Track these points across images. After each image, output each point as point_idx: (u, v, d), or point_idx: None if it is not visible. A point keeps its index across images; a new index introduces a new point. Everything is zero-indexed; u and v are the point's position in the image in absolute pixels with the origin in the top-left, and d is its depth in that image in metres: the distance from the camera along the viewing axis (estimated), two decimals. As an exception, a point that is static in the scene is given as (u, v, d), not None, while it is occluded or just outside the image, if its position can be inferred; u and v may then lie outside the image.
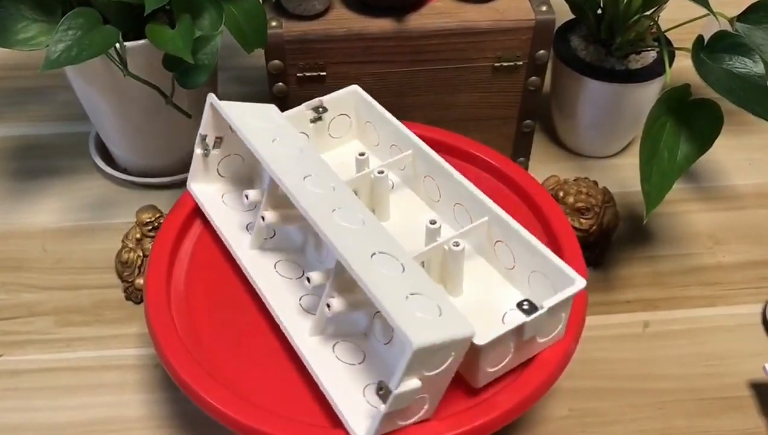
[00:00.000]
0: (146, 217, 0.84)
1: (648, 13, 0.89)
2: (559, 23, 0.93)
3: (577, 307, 0.64)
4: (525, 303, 0.57)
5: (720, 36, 0.75)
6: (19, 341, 0.81)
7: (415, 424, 0.57)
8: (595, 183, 0.87)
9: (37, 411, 0.75)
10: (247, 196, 0.69)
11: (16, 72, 1.13)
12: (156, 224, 0.83)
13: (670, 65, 0.84)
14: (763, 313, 0.83)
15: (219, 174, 0.75)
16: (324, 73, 0.85)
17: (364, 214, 0.62)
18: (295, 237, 0.71)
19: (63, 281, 0.86)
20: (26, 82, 1.11)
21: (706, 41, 0.76)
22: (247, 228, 0.72)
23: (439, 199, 0.72)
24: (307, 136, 0.78)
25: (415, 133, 0.74)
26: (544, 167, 0.99)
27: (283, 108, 0.76)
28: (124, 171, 0.97)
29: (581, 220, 0.84)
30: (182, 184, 0.96)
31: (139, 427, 0.74)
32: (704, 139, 0.74)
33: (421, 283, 0.56)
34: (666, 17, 0.91)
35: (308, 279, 0.61)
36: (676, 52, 0.90)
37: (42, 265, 0.88)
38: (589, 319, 0.74)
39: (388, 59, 0.85)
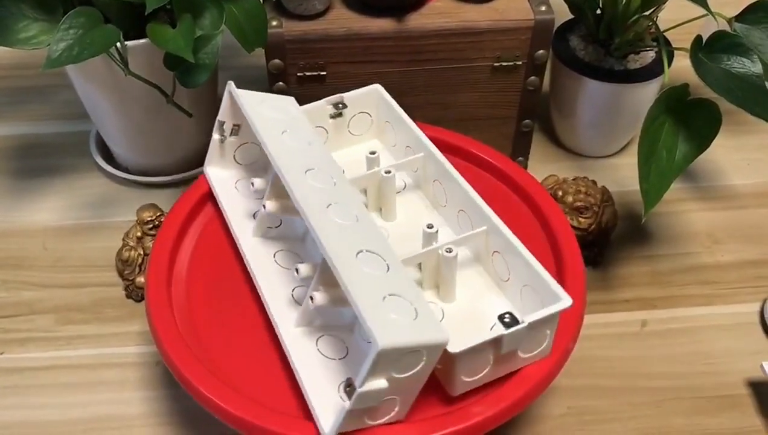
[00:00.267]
0: (147, 215, 0.84)
1: (647, 13, 0.89)
2: (558, 23, 0.93)
3: (567, 326, 0.62)
4: (507, 316, 0.56)
5: (718, 36, 0.75)
6: (19, 339, 0.81)
7: (385, 425, 0.57)
8: (594, 182, 0.87)
9: (38, 408, 0.75)
10: (253, 184, 0.70)
11: (17, 71, 1.13)
12: (157, 223, 0.84)
13: (669, 65, 0.84)
14: (761, 312, 0.83)
15: (236, 161, 0.76)
16: (324, 73, 0.85)
17: (359, 211, 0.61)
18: (298, 227, 0.71)
19: (64, 279, 0.87)
20: (27, 81, 1.12)
21: (704, 41, 0.76)
22: (254, 216, 0.72)
23: (446, 205, 0.71)
24: (326, 130, 0.78)
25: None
26: (543, 167, 0.99)
27: (283, 107, 0.76)
28: (125, 170, 0.97)
29: (580, 219, 0.84)
30: (183, 183, 0.96)
31: (139, 425, 0.74)
32: (702, 139, 0.74)
33: (403, 285, 0.56)
34: (665, 17, 0.91)
35: (297, 270, 0.61)
36: (675, 52, 0.90)
37: (43, 264, 0.88)
38: (587, 317, 0.74)
39: (387, 59, 0.85)
